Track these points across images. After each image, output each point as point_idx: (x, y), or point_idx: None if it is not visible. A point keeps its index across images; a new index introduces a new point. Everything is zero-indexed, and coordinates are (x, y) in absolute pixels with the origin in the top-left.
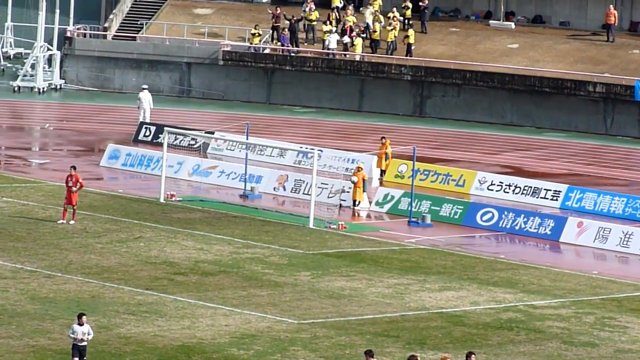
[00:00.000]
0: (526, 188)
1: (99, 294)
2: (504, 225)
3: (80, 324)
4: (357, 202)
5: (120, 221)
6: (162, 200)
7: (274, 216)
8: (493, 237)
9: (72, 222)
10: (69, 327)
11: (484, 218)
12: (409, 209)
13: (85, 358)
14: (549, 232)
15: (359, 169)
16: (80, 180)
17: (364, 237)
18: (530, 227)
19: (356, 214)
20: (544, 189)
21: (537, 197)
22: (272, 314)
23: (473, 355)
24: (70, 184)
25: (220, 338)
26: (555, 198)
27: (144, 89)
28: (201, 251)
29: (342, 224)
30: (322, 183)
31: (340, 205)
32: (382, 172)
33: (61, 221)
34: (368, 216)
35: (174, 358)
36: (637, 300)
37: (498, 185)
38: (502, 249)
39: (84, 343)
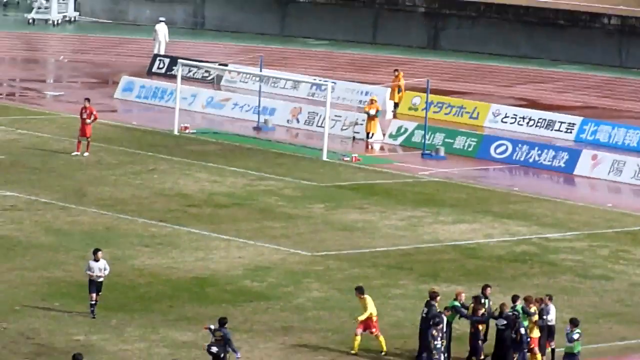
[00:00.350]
0: (540, 120)
1: (113, 226)
2: (517, 158)
3: (96, 260)
4: (370, 135)
5: (134, 153)
6: (175, 132)
7: (288, 148)
8: (507, 170)
9: (86, 154)
10: (85, 262)
11: (498, 150)
12: (423, 141)
13: (100, 293)
14: (563, 165)
15: (372, 101)
16: (94, 113)
17: (377, 170)
18: (545, 160)
19: (370, 146)
20: (558, 122)
21: (551, 130)
22: (286, 246)
23: (489, 288)
24: (84, 116)
25: (233, 270)
26: (569, 130)
27: (160, 21)
28: (215, 183)
29: (355, 157)
30: (335, 115)
31: (354, 138)
32: (396, 105)
33: (75, 153)
34: (381, 148)
35: (187, 290)
36: None
37: (512, 117)
38: (516, 181)
39: (101, 279)
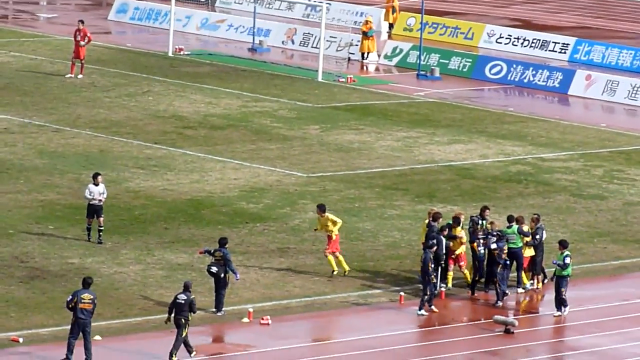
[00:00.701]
0: (535, 41)
1: (108, 148)
2: (512, 78)
3: (96, 184)
4: (365, 55)
5: (128, 75)
6: (170, 54)
7: (283, 70)
8: (502, 90)
9: (80, 76)
10: (84, 187)
11: (493, 71)
12: (418, 62)
13: (101, 217)
14: (557, 85)
15: (367, 22)
16: (89, 34)
17: (372, 90)
18: (539, 80)
19: (365, 67)
20: (553, 42)
21: (545, 50)
22: (281, 168)
23: (487, 210)
24: (78, 38)
25: (229, 192)
26: (563, 51)
27: None
28: (210, 105)
29: (350, 77)
30: (330, 36)
31: (349, 59)
32: (391, 26)
33: (69, 75)
34: (377, 69)
35: (183, 212)
36: None
37: (507, 38)
38: (510, 101)
39: (100, 203)
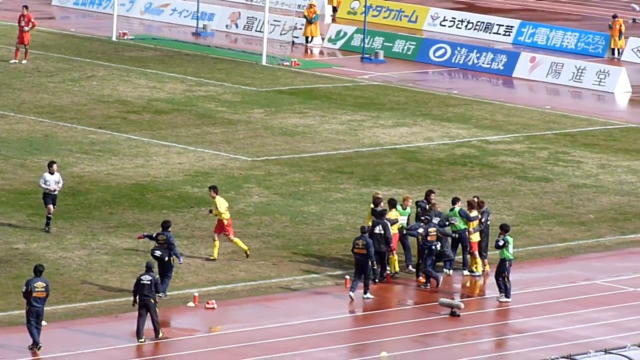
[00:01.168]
0: (479, 24)
1: (52, 133)
2: (456, 61)
3: (52, 173)
4: (309, 39)
5: (72, 60)
6: (114, 38)
7: (227, 54)
8: (446, 73)
9: (24, 61)
10: (41, 176)
11: (437, 54)
12: (362, 45)
13: (55, 206)
14: (501, 68)
15: (310, 5)
16: (33, 20)
17: (316, 74)
18: (483, 63)
19: (309, 51)
20: (497, 25)
21: (489, 33)
22: (226, 152)
23: (432, 194)
24: (22, 23)
25: (174, 176)
26: (507, 33)
27: None
28: (154, 89)
29: (294, 61)
30: (274, 20)
31: (293, 42)
32: (334, 9)
33: (13, 61)
34: (321, 53)
35: (127, 196)
36: (590, 135)
37: (450, 21)
38: (455, 84)
39: (55, 192)
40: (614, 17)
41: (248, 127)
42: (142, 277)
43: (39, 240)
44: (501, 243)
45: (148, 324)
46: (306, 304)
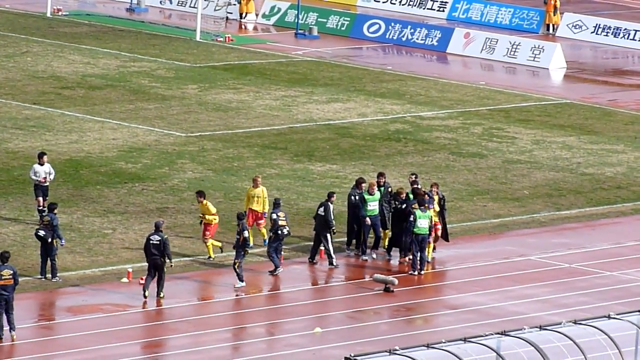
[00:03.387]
0: None
1: None
2: (390, 37)
3: (41, 164)
4: (244, 15)
5: (6, 36)
6: (48, 14)
7: (161, 29)
8: (380, 49)
9: None
10: (31, 167)
11: (371, 30)
12: (296, 21)
13: (47, 197)
14: (435, 44)
15: None
16: None
17: (250, 50)
18: (417, 39)
19: (243, 27)
20: (431, 0)
21: (423, 9)
22: (160, 127)
23: (382, 177)
24: None
25: (108, 152)
26: (442, 9)
27: None
28: (88, 65)
29: (228, 37)
30: None
31: (227, 18)
32: None
33: None
34: (255, 28)
35: (62, 172)
36: (524, 111)
37: None
38: (389, 60)
39: (46, 183)
40: None
41: (182, 103)
42: (151, 237)
43: None
44: (411, 218)
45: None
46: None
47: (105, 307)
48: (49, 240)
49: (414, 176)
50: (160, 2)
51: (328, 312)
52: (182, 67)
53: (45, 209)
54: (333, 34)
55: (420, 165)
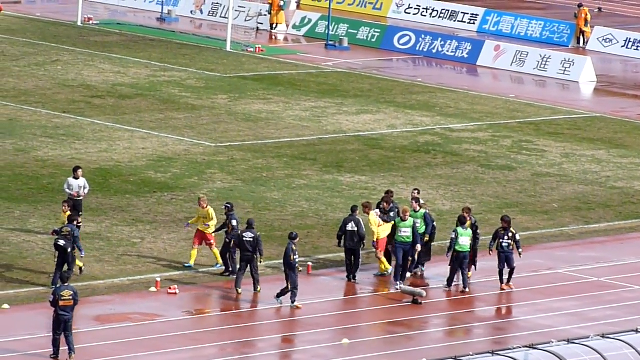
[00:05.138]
0: (443, 11)
1: (17, 117)
2: (421, 49)
3: (76, 178)
4: (274, 25)
5: (37, 44)
6: (79, 23)
7: (191, 39)
8: (410, 61)
9: None
10: (65, 181)
11: (402, 41)
12: (326, 32)
13: (81, 213)
14: (466, 56)
15: None
16: None
17: (281, 60)
18: (448, 51)
19: (273, 37)
20: (462, 13)
21: (454, 21)
22: (189, 137)
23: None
24: None
25: (137, 161)
26: (472, 22)
27: None
28: (118, 74)
29: (259, 47)
30: (239, 6)
31: (258, 29)
32: None
33: None
34: (285, 39)
35: (91, 181)
36: (554, 124)
37: (415, 8)
38: (419, 72)
39: (80, 198)
40: (580, 6)
41: (212, 113)
42: (244, 234)
43: (2, 224)
44: (453, 235)
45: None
46: (267, 290)
47: (133, 317)
48: (69, 250)
49: (417, 192)
50: (191, 12)
51: (356, 324)
52: (212, 77)
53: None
54: (363, 45)
55: (450, 177)
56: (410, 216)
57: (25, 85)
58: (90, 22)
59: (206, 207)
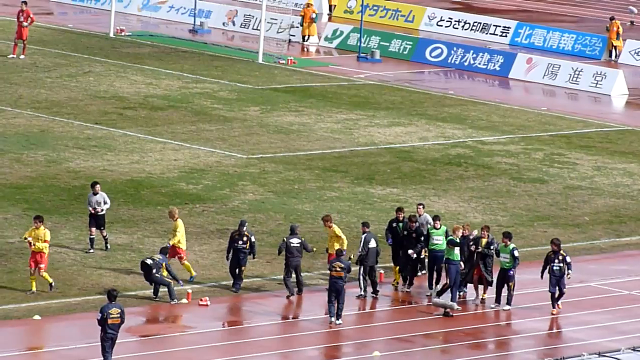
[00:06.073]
0: (475, 24)
1: (49, 128)
2: (453, 61)
3: (95, 193)
4: (306, 37)
5: (69, 56)
6: (111, 34)
7: (223, 51)
8: (442, 73)
9: (22, 56)
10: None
11: (433, 54)
12: (358, 44)
13: (102, 228)
14: (498, 68)
15: (308, 4)
16: (31, 15)
17: (312, 72)
18: (480, 63)
19: (305, 49)
20: (494, 25)
21: (486, 34)
22: (221, 149)
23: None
24: (21, 19)
25: (169, 172)
26: (504, 34)
27: None
28: (150, 86)
29: (291, 59)
30: (271, 18)
31: (290, 41)
32: (331, 8)
33: (11, 56)
34: (317, 51)
35: (122, 192)
36: (586, 137)
37: (447, 21)
38: (451, 84)
39: (102, 213)
40: (612, 19)
41: (244, 125)
42: (290, 240)
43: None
44: (517, 254)
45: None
46: (299, 302)
47: (164, 329)
48: (154, 270)
49: (421, 206)
50: (224, 23)
51: (387, 336)
52: (244, 89)
53: (93, 237)
54: (395, 57)
55: (481, 190)
56: (430, 232)
57: (58, 96)
58: (123, 33)
59: (176, 219)
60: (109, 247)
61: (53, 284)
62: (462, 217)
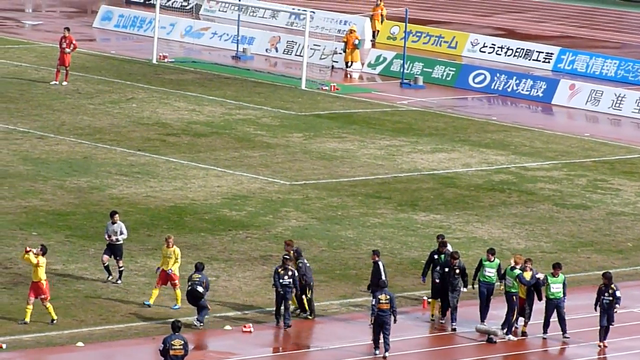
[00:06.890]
0: (518, 50)
1: (91, 155)
2: (496, 87)
3: (113, 222)
4: (349, 64)
5: (112, 82)
6: (154, 61)
7: (266, 77)
8: (485, 99)
9: (64, 83)
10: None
11: (476, 80)
12: (401, 70)
13: (119, 258)
14: (541, 94)
15: (351, 31)
16: (74, 42)
17: (355, 99)
18: (523, 89)
19: (348, 76)
20: (537, 51)
21: (529, 60)
22: (264, 175)
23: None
24: (63, 45)
25: (212, 199)
26: (547, 60)
27: None
28: (193, 112)
29: (334, 86)
30: (314, 44)
31: (333, 67)
32: (374, 34)
33: (54, 82)
34: (360, 78)
35: (166, 219)
36: (629, 163)
37: (490, 47)
38: (494, 110)
39: (118, 243)
40: None
41: (286, 151)
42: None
43: (77, 262)
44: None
45: None
46: (342, 329)
47: (208, 355)
48: (205, 296)
49: (441, 237)
50: (267, 50)
51: None
52: (287, 115)
53: (106, 264)
54: (438, 84)
55: (524, 216)
56: (484, 263)
57: (100, 123)
58: (165, 60)
59: (172, 246)
60: (120, 281)
61: (55, 321)
62: (506, 244)
